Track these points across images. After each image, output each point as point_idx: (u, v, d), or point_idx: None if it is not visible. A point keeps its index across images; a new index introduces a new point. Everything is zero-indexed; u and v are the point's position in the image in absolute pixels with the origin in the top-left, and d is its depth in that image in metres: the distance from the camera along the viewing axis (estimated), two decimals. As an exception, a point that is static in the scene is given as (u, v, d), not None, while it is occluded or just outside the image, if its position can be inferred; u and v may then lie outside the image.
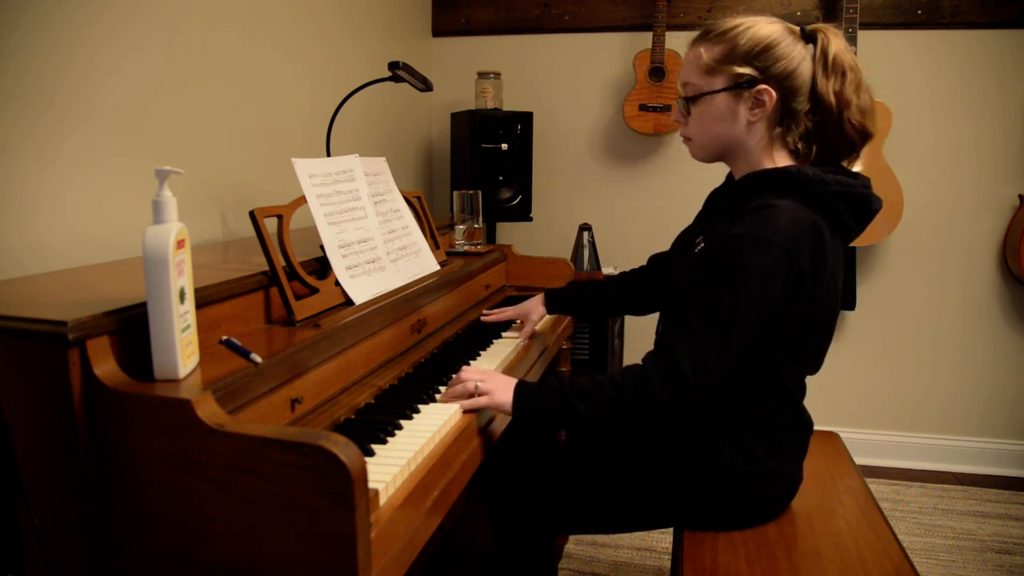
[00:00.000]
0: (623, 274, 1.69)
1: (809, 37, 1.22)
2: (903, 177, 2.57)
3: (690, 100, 1.26)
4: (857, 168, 2.50)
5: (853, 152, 1.24)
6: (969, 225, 2.70)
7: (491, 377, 1.22)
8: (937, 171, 2.69)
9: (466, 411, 1.19)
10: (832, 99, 1.18)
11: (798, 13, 2.70)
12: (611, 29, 2.86)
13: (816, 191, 1.17)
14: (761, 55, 1.19)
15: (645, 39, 2.76)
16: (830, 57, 1.19)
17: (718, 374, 1.13)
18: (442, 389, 1.26)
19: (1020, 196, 2.62)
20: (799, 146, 1.24)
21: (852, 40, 2.48)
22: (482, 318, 1.73)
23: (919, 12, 2.61)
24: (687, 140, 1.31)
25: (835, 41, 1.21)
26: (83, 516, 0.83)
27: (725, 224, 1.21)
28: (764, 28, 1.20)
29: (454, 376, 1.25)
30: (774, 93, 1.19)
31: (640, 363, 1.17)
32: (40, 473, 0.83)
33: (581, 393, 1.15)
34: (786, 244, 1.11)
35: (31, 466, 0.83)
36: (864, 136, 1.22)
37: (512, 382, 1.20)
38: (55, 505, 0.84)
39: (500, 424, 1.30)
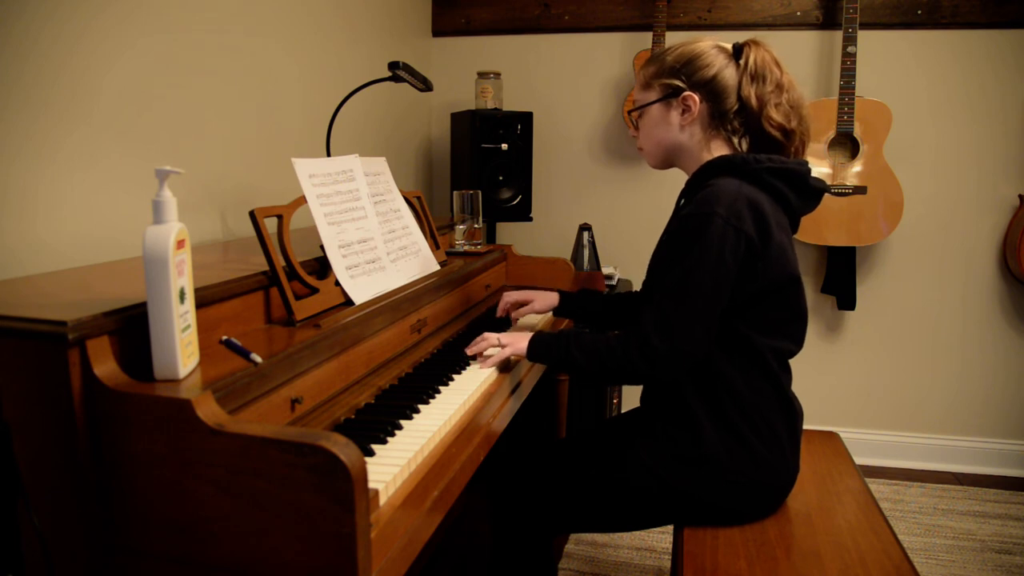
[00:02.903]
0: (625, 293, 1.75)
1: (738, 51, 1.37)
2: (903, 177, 2.57)
3: (634, 113, 1.45)
4: (857, 168, 2.53)
5: (783, 148, 1.35)
6: (969, 225, 2.70)
7: (510, 334, 1.44)
8: (937, 171, 2.69)
9: (492, 364, 1.39)
10: (754, 101, 1.33)
11: (798, 13, 2.69)
12: (611, 29, 2.86)
13: (750, 169, 1.30)
14: (685, 67, 1.36)
15: (645, 39, 2.76)
16: (751, 64, 1.34)
17: (684, 338, 1.23)
18: (442, 389, 1.27)
19: (1020, 196, 2.63)
20: (741, 146, 1.40)
21: (852, 40, 2.48)
22: (506, 295, 1.71)
23: (919, 12, 2.61)
24: (640, 150, 1.48)
25: (757, 51, 1.35)
26: (83, 516, 0.83)
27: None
28: (690, 46, 1.38)
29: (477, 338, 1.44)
30: (698, 98, 1.35)
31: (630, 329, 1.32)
32: (40, 473, 0.83)
33: (581, 345, 1.32)
34: (728, 215, 1.23)
35: (31, 466, 0.83)
36: (785, 134, 1.34)
37: (529, 334, 1.41)
38: (55, 505, 0.84)
39: (501, 423, 1.30)
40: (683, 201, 1.43)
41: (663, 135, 1.40)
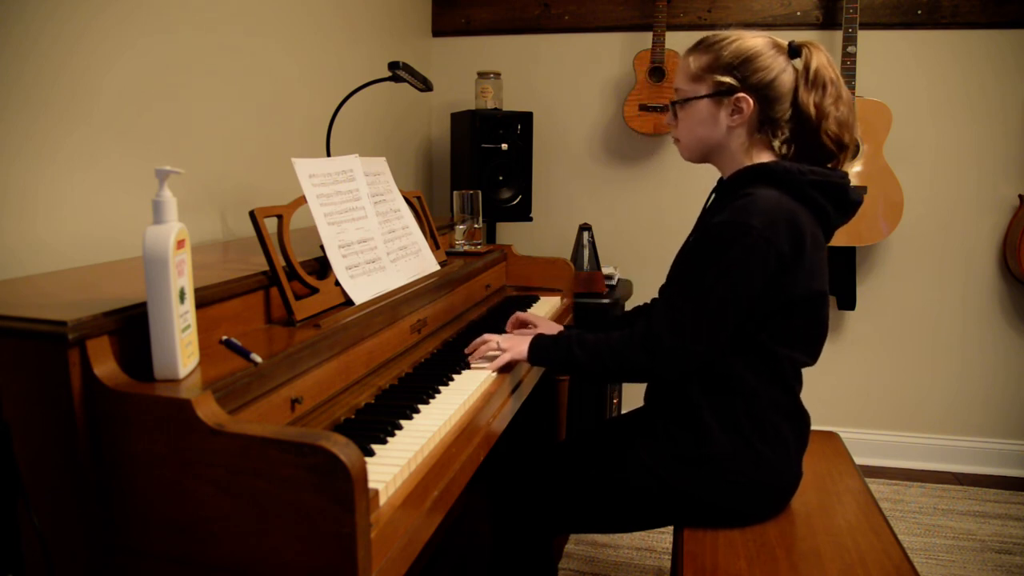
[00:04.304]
0: (633, 309, 1.71)
1: (794, 52, 1.31)
2: (903, 177, 2.57)
3: (677, 104, 1.37)
4: (857, 168, 2.52)
5: (831, 160, 1.31)
6: (969, 225, 2.70)
7: (510, 338, 1.43)
8: (937, 171, 2.69)
9: (493, 370, 1.37)
10: (812, 110, 1.27)
11: (798, 13, 2.70)
12: (611, 29, 2.86)
13: (793, 180, 1.25)
14: (742, 66, 1.28)
15: (645, 39, 2.76)
16: (812, 70, 1.28)
17: (692, 337, 1.22)
18: (442, 389, 1.27)
19: (1020, 196, 2.62)
20: (781, 150, 1.35)
21: (852, 40, 2.48)
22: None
23: (919, 12, 2.61)
24: (676, 141, 1.41)
25: (818, 55, 1.29)
26: (83, 516, 0.83)
27: (713, 217, 1.29)
28: (748, 41, 1.30)
29: (477, 339, 1.44)
30: (751, 101, 1.29)
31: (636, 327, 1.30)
32: (40, 473, 0.83)
33: (583, 344, 1.31)
34: (763, 228, 1.20)
35: (31, 466, 0.83)
36: (840, 146, 1.30)
37: (528, 338, 1.39)
38: (55, 505, 0.84)
39: (501, 423, 1.30)
40: (713, 201, 1.39)
41: (707, 132, 1.33)
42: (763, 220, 1.20)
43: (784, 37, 1.35)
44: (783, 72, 1.29)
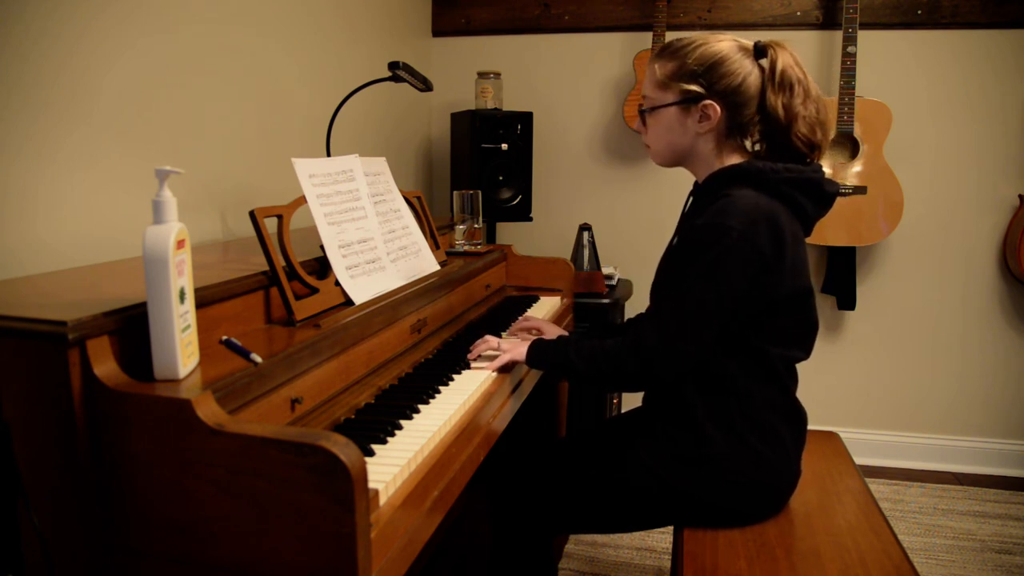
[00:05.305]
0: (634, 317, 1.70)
1: (760, 52, 1.29)
2: (903, 177, 2.56)
3: (645, 112, 1.37)
4: (857, 168, 2.52)
5: (804, 161, 1.31)
6: (969, 225, 2.70)
7: (510, 340, 1.46)
8: (937, 171, 2.69)
9: (492, 370, 1.37)
10: (780, 112, 1.26)
11: (798, 13, 2.70)
12: (611, 29, 2.86)
13: (768, 179, 1.26)
14: (707, 72, 1.28)
15: (645, 39, 2.76)
16: (778, 71, 1.26)
17: (680, 338, 1.23)
18: (442, 389, 1.27)
19: (1020, 196, 2.62)
20: (753, 148, 1.36)
21: (852, 40, 2.48)
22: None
23: (919, 12, 2.61)
24: (647, 147, 1.42)
25: (783, 55, 1.27)
26: (83, 516, 0.83)
27: (693, 220, 1.30)
28: (714, 46, 1.28)
29: (478, 341, 1.45)
30: (718, 108, 1.28)
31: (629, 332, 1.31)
32: (40, 473, 0.83)
33: (579, 350, 1.32)
34: (743, 229, 1.19)
35: (31, 466, 0.83)
36: (811, 147, 1.29)
37: (528, 342, 1.41)
38: (55, 505, 0.84)
39: (501, 423, 1.30)
40: (691, 205, 1.40)
41: (676, 139, 1.34)
42: (743, 221, 1.20)
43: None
44: (749, 75, 1.28)
